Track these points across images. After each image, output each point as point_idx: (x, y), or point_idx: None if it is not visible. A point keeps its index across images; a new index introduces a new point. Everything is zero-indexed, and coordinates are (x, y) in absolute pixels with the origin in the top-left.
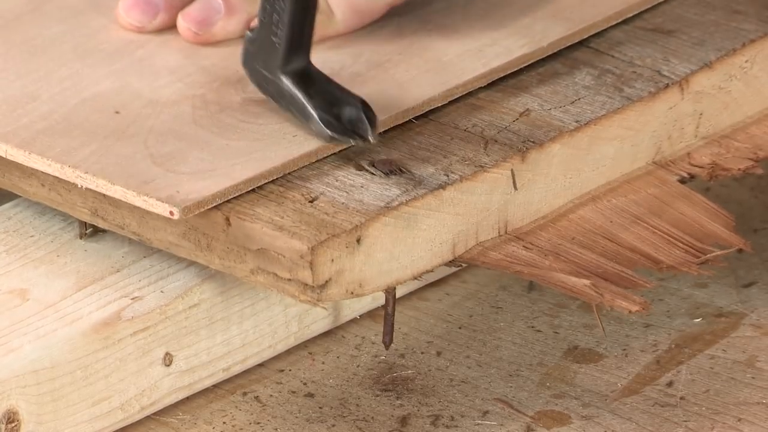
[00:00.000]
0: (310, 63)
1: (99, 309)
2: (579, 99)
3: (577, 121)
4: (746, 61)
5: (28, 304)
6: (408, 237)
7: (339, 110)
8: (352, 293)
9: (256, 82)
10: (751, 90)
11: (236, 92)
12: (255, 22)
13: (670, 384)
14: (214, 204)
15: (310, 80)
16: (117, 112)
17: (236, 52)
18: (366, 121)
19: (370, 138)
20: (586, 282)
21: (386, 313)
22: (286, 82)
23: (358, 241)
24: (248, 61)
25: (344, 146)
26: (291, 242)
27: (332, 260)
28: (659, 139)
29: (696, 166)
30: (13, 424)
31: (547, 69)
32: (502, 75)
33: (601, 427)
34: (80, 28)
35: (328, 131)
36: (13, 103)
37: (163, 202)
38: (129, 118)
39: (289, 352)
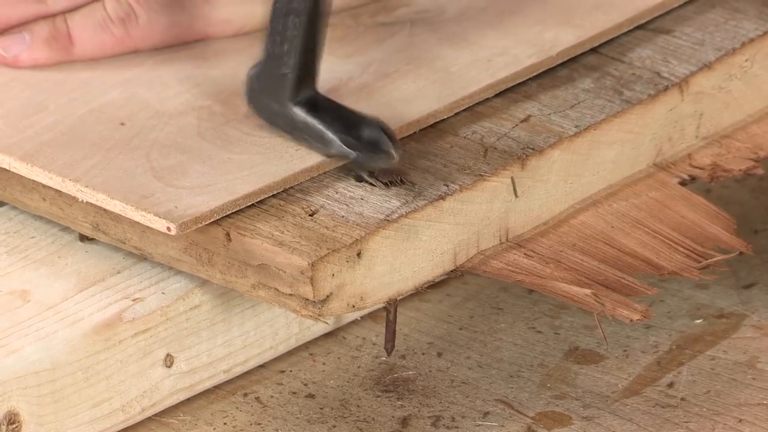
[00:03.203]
0: (317, 91)
1: (100, 310)
2: (579, 103)
3: (576, 127)
4: (746, 60)
5: (29, 305)
6: (409, 248)
7: (358, 132)
8: (353, 307)
9: (265, 118)
10: (751, 89)
11: (243, 103)
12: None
13: (670, 385)
14: (212, 219)
15: (322, 107)
16: (122, 124)
17: (245, 62)
18: (387, 138)
19: (394, 154)
20: (587, 291)
21: (388, 321)
22: (299, 113)
23: (358, 254)
24: (254, 97)
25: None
26: (291, 258)
27: (333, 275)
28: (660, 141)
29: (697, 167)
30: (14, 426)
31: (546, 72)
32: (510, 85)
33: (602, 428)
34: None
35: (352, 152)
36: (19, 113)
37: (160, 217)
38: (134, 130)
39: (290, 353)
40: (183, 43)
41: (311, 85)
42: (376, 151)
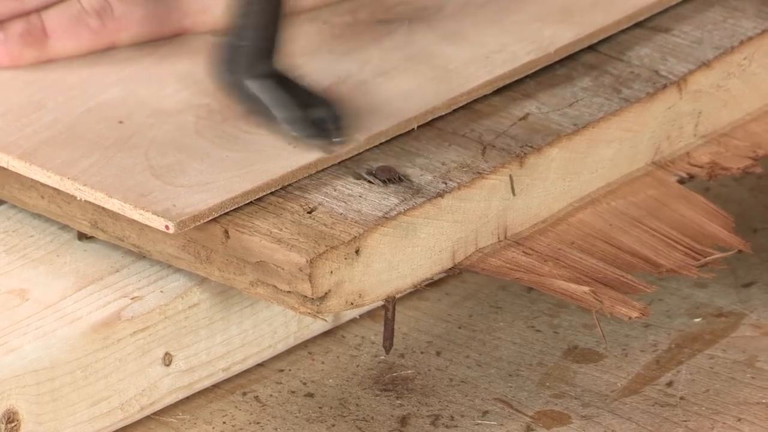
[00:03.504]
0: (275, 67)
1: (98, 309)
2: (577, 101)
3: (575, 125)
4: (744, 59)
5: (27, 304)
6: (407, 246)
7: (306, 111)
8: (351, 304)
9: (224, 88)
10: (749, 87)
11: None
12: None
13: (669, 384)
14: (211, 218)
15: (278, 83)
16: (121, 122)
17: None
18: (335, 121)
19: (335, 139)
20: (586, 289)
21: (386, 319)
22: (252, 86)
23: (356, 252)
24: (215, 67)
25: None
26: (290, 255)
27: (331, 272)
28: (658, 139)
29: (695, 165)
30: (12, 424)
31: (545, 70)
32: (507, 82)
33: (601, 426)
34: None
35: (292, 131)
36: (18, 111)
37: (158, 216)
38: (132, 128)
39: (288, 351)
40: (161, 37)
41: (270, 60)
42: (318, 133)
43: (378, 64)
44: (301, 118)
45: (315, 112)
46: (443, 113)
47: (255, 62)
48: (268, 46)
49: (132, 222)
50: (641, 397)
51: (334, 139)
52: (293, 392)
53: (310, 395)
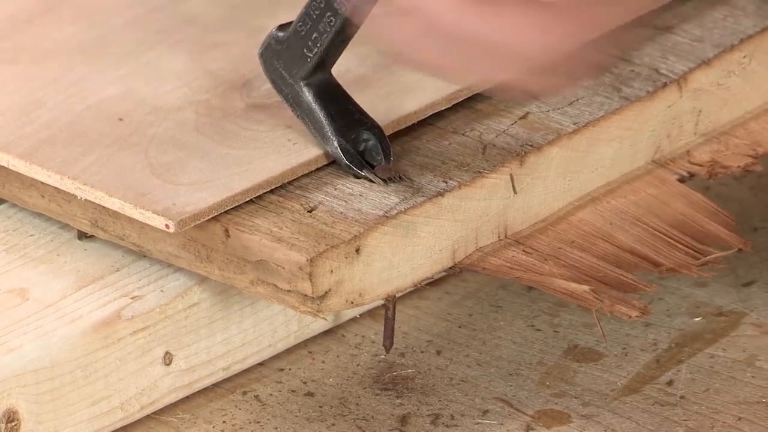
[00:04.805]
0: (331, 75)
1: (99, 308)
2: (577, 100)
3: (575, 123)
4: (744, 57)
5: (27, 303)
6: (407, 245)
7: (356, 136)
8: (352, 303)
9: (271, 79)
10: (749, 85)
11: (240, 97)
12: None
13: (670, 383)
14: (211, 216)
15: (331, 96)
16: (120, 120)
17: (243, 55)
18: (381, 152)
19: (382, 170)
20: (586, 288)
21: (386, 318)
22: (308, 94)
23: (357, 251)
24: (268, 55)
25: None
26: (290, 254)
27: (331, 271)
28: (658, 138)
29: (695, 164)
30: (12, 424)
31: None
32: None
33: (601, 426)
34: (91, 30)
35: (345, 160)
36: (18, 110)
37: (159, 215)
38: (132, 126)
39: (288, 351)
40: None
41: (327, 69)
42: (366, 165)
43: (377, 58)
44: (353, 143)
45: (364, 138)
46: (443, 108)
47: (316, 71)
48: (330, 57)
49: (132, 221)
50: (641, 397)
51: (381, 172)
52: (293, 391)
53: (310, 394)
